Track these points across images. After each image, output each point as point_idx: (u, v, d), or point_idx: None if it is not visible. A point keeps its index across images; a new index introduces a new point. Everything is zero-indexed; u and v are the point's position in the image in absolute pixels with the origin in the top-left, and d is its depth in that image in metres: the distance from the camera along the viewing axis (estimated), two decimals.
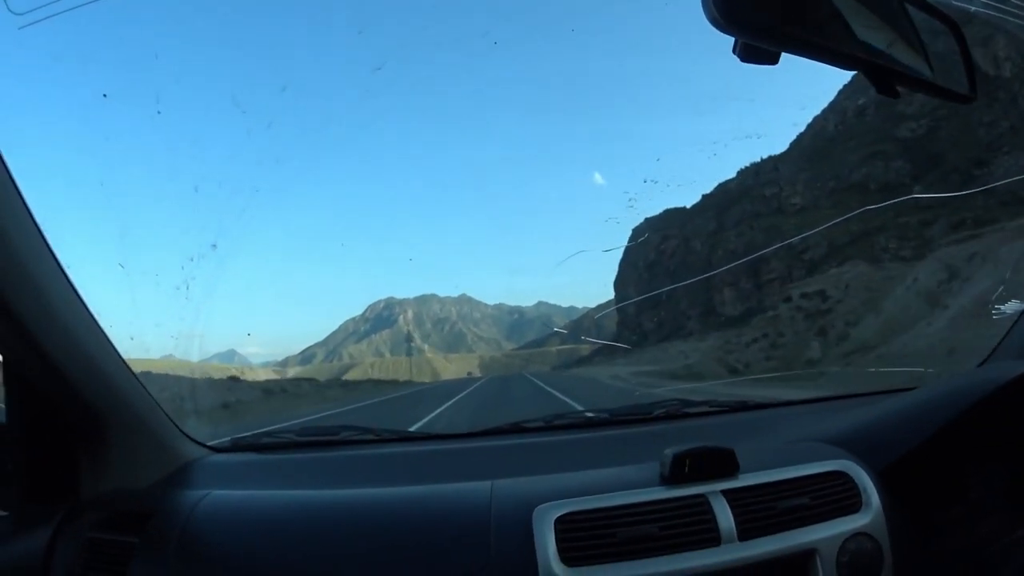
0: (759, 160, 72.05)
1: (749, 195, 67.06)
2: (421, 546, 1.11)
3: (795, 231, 49.96)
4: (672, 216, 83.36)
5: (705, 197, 77.81)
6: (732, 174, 75.22)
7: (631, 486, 1.12)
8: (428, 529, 1.14)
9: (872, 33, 0.72)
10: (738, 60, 0.67)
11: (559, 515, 1.06)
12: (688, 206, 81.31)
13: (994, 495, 1.30)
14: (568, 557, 1.02)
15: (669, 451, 1.13)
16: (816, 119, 69.31)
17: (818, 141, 63.76)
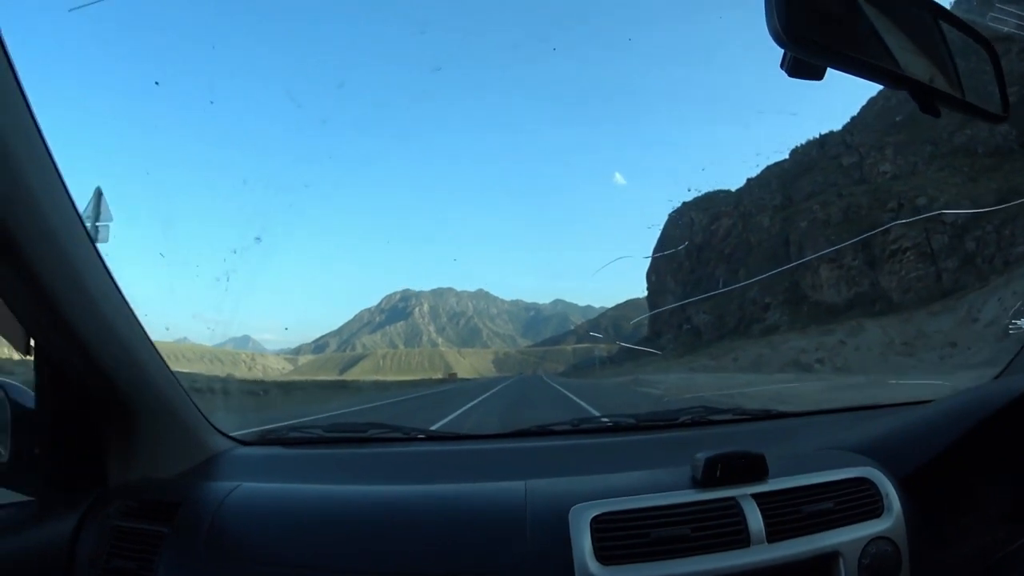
0: (818, 136, 66.25)
1: (819, 167, 60.04)
2: (456, 543, 1.12)
3: (895, 197, 44.86)
4: (717, 198, 71.73)
5: (759, 176, 68.91)
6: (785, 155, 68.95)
7: (662, 489, 1.13)
8: (463, 526, 1.15)
9: (911, 54, 0.75)
10: (785, 75, 0.69)
11: (595, 515, 1.07)
12: (733, 189, 72.90)
13: (1005, 505, 1.33)
14: (603, 556, 1.03)
15: (701, 455, 1.14)
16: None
17: (894, 107, 56.23)
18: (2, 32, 0.87)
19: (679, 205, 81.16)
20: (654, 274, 79.75)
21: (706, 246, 66.39)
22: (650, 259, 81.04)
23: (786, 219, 54.96)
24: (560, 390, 21.42)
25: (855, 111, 64.23)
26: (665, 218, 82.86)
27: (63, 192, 1.06)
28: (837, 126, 64.69)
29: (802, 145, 66.38)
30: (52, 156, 1.03)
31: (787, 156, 66.92)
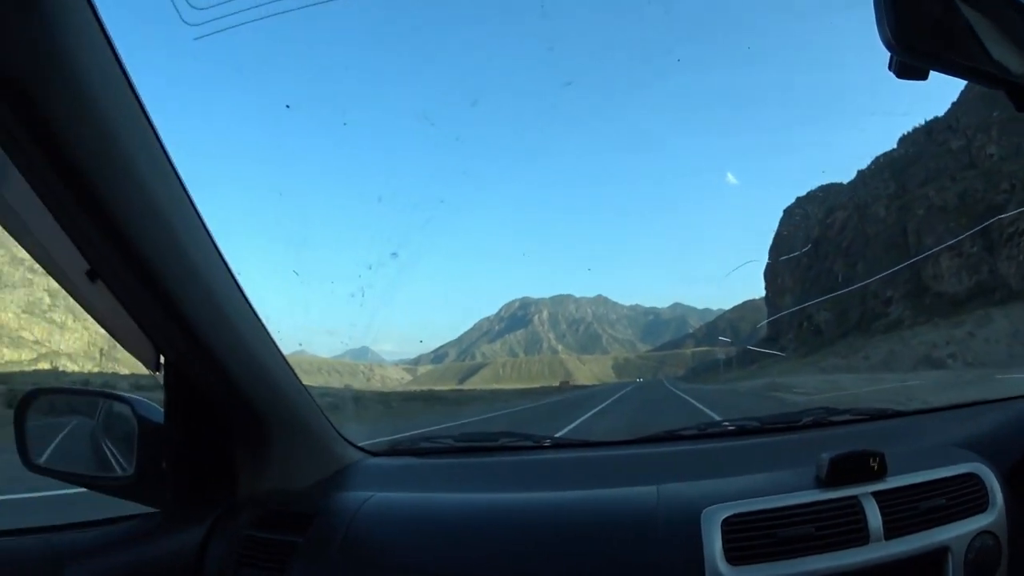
0: (923, 123, 62.72)
1: (928, 153, 57.26)
2: (588, 547, 1.13)
3: (1006, 178, 42.28)
4: (830, 191, 68.64)
5: (871, 166, 65.95)
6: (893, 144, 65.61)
7: (787, 489, 1.14)
8: (596, 532, 1.15)
9: (1007, 54, 0.75)
10: (894, 76, 0.72)
11: (726, 516, 1.09)
12: (845, 182, 69.91)
13: None
14: (732, 557, 1.04)
15: (825, 455, 1.15)
16: None
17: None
18: (126, 64, 0.90)
19: (792, 201, 78.14)
20: (771, 272, 77.14)
21: (823, 240, 63.56)
22: (770, 260, 78.54)
23: (902, 208, 52.27)
24: (691, 401, 19.81)
25: (954, 96, 59.83)
26: (779, 216, 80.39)
27: (193, 212, 1.09)
28: (941, 111, 60.64)
29: (909, 133, 63.26)
30: (179, 175, 1.04)
31: (895, 146, 63.82)
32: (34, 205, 0.92)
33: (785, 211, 79.39)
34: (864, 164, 66.01)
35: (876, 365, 32.17)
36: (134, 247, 0.99)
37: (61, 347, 61.80)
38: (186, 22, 1.23)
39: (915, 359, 31.17)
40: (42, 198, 0.92)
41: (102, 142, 0.90)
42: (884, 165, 61.01)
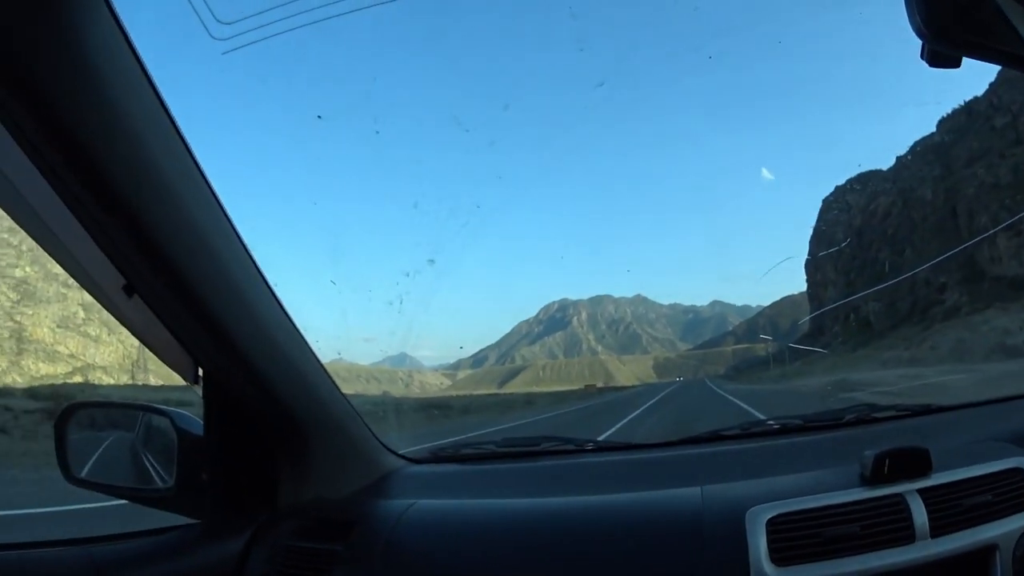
0: (963, 103, 59.58)
1: (972, 132, 54.79)
2: (634, 550, 1.14)
3: None
4: (870, 179, 65.33)
5: (909, 153, 62.73)
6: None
7: (832, 488, 1.14)
8: (640, 533, 1.16)
9: None
10: (926, 64, 0.71)
11: (770, 516, 1.08)
12: (884, 168, 66.87)
13: None
14: (777, 557, 1.04)
15: (869, 453, 1.14)
16: None
17: None
18: (155, 80, 0.88)
19: (831, 191, 75.10)
20: (812, 266, 73.82)
21: (866, 228, 60.42)
22: (810, 254, 75.38)
23: (950, 189, 49.29)
24: (751, 411, 14.12)
25: (992, 77, 56.32)
26: (817, 209, 77.19)
27: (228, 224, 1.07)
28: (973, 96, 57.31)
29: (948, 115, 60.29)
30: (212, 188, 1.02)
31: (934, 130, 60.63)
32: (69, 223, 0.93)
33: (824, 202, 76.48)
34: (902, 151, 63.17)
35: (944, 356, 30.04)
36: (170, 261, 1.00)
37: (96, 360, 62.38)
38: (214, 37, 1.23)
39: (987, 348, 28.81)
40: (76, 216, 0.92)
41: (134, 159, 0.89)
42: (927, 147, 57.89)
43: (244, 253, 1.12)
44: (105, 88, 0.82)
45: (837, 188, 74.34)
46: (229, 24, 1.24)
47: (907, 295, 49.18)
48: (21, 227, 0.99)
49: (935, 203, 50.80)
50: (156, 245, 0.97)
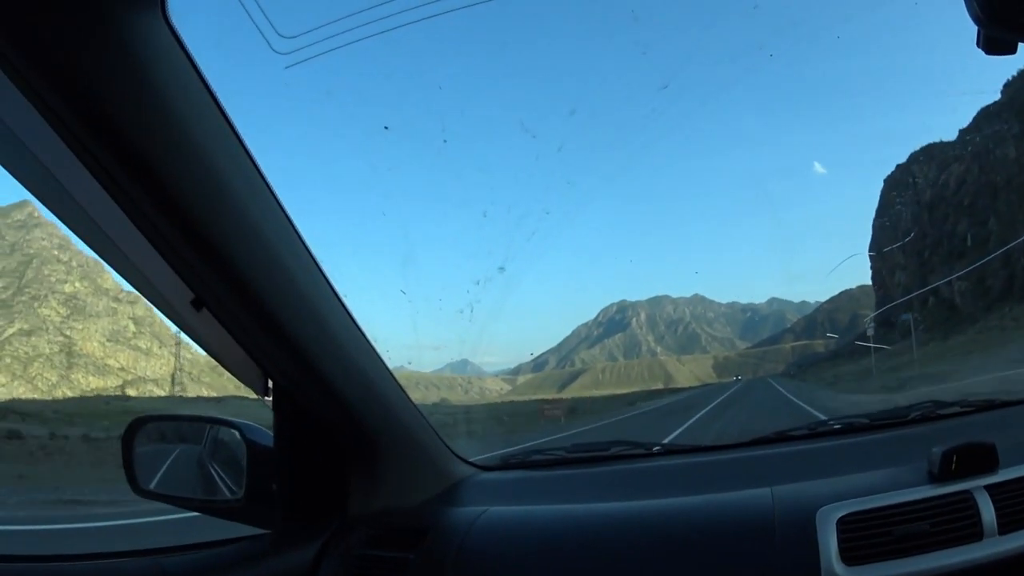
0: None
1: None
2: (706, 553, 1.14)
3: None
4: (934, 151, 57.53)
5: (974, 120, 55.29)
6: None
7: (900, 486, 1.13)
8: (712, 535, 1.16)
9: None
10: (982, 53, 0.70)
11: (841, 515, 1.08)
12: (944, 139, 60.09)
13: None
14: (848, 556, 1.04)
15: (937, 449, 1.13)
16: None
17: None
18: (219, 96, 0.88)
19: (892, 169, 67.40)
20: (874, 247, 66.03)
21: (938, 202, 52.86)
22: (873, 238, 67.98)
23: None
24: None
25: None
26: (875, 202, 69.67)
27: (295, 236, 1.07)
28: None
29: (1014, 77, 52.28)
30: (280, 202, 1.03)
31: (999, 95, 52.73)
32: (136, 238, 0.93)
33: (886, 180, 68.85)
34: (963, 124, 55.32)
35: None
36: (238, 274, 1.01)
37: (147, 373, 61.98)
38: (276, 51, 1.25)
39: None
40: (143, 231, 0.92)
41: (202, 175, 0.90)
42: (1001, 105, 49.94)
43: (312, 264, 1.12)
44: (169, 106, 0.82)
45: (899, 167, 66.94)
46: (291, 39, 1.23)
47: (1000, 269, 42.07)
48: (86, 243, 0.99)
49: (1021, 161, 43.17)
50: (225, 258, 0.97)
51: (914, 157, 62.67)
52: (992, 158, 47.18)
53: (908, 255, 57.49)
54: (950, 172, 52.48)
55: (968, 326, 37.46)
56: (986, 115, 51.28)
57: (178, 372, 60.45)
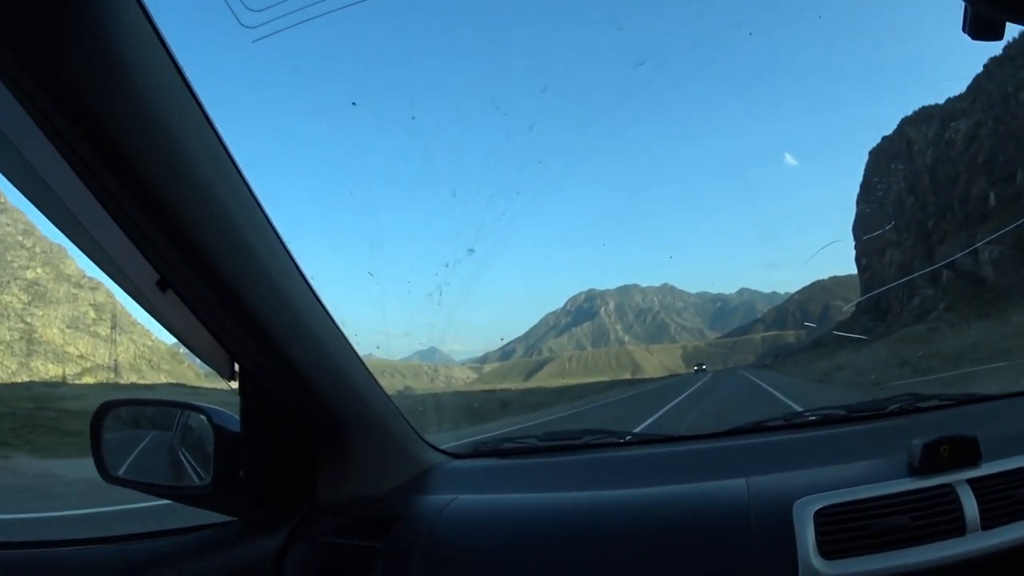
0: None
1: None
2: (680, 543, 1.11)
3: None
4: (933, 111, 48.96)
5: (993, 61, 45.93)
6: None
7: (880, 479, 1.10)
8: (686, 526, 1.14)
9: None
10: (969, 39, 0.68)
11: (819, 508, 1.05)
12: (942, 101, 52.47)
13: None
14: (826, 550, 1.01)
15: (918, 442, 1.10)
16: None
17: None
18: (186, 72, 0.85)
19: (880, 140, 59.20)
20: (861, 227, 57.64)
21: (943, 162, 44.15)
22: (857, 215, 59.65)
23: None
24: None
25: None
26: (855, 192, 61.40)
27: (263, 218, 1.05)
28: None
29: (1016, 38, 42.93)
30: (246, 180, 1.00)
31: (1001, 51, 44.08)
32: (101, 218, 0.90)
33: (871, 152, 60.62)
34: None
35: None
36: (203, 255, 0.97)
37: (106, 360, 58.12)
38: (244, 25, 1.18)
39: None
40: (108, 210, 0.90)
41: (166, 152, 0.87)
42: (1016, 47, 41.12)
43: (279, 244, 1.09)
44: (135, 81, 0.79)
45: (886, 137, 58.69)
46: (259, 12, 1.17)
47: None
48: (53, 222, 0.95)
49: None
50: (189, 238, 0.94)
51: (907, 121, 54.20)
52: (1014, 103, 38.91)
53: (902, 231, 49.10)
54: (958, 127, 44.15)
55: (1003, 299, 28.83)
56: (999, 61, 42.83)
57: (114, 361, 56.86)
